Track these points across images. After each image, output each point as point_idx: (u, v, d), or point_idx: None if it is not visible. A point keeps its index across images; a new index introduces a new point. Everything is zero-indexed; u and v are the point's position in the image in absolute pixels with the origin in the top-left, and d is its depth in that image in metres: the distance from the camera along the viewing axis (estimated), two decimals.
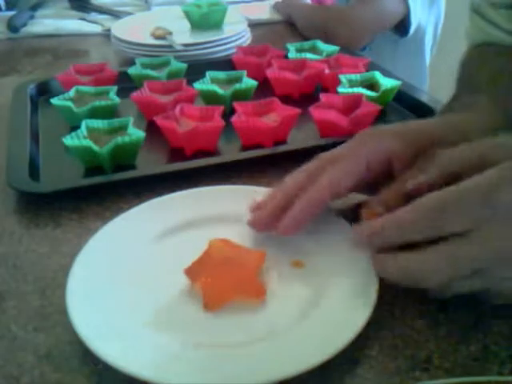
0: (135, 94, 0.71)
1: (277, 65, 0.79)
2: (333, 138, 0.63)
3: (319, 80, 0.79)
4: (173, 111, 0.65)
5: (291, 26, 1.16)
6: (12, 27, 1.11)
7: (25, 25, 1.14)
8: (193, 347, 0.37)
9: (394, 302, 0.42)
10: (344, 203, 0.49)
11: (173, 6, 1.14)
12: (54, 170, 0.61)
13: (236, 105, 0.66)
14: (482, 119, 0.47)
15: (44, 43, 1.09)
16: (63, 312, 0.41)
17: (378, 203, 0.42)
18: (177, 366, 0.36)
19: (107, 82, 0.77)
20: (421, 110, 0.70)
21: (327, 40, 0.92)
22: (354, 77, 0.74)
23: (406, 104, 0.74)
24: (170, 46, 0.92)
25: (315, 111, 0.65)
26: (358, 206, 0.44)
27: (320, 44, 0.89)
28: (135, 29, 0.99)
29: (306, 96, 0.77)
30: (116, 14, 1.20)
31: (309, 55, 0.85)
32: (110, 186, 0.56)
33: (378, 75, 0.74)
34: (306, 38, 1.03)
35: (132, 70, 0.79)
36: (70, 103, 0.68)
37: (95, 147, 0.58)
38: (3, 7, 1.30)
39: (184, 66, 0.81)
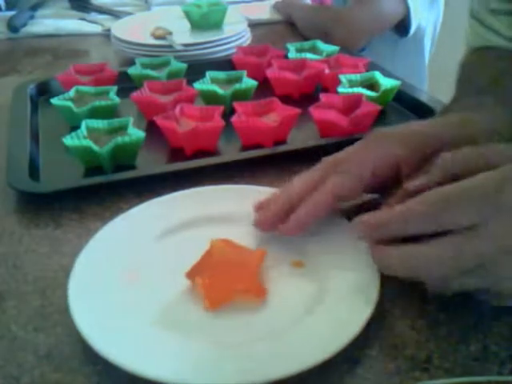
0: (135, 94, 0.71)
1: (277, 65, 0.79)
2: (333, 138, 0.63)
3: (319, 80, 0.79)
4: (173, 111, 0.65)
5: (291, 26, 1.16)
6: (12, 27, 1.11)
7: (25, 25, 1.14)
8: (194, 346, 0.37)
9: (394, 301, 0.42)
10: (348, 203, 0.49)
11: (173, 6, 1.14)
12: (54, 170, 0.61)
13: (236, 105, 0.66)
14: (488, 120, 0.47)
15: (44, 43, 1.09)
16: (63, 312, 0.41)
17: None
18: (177, 364, 0.36)
19: (107, 81, 0.77)
20: (421, 109, 0.70)
21: (327, 40, 0.92)
22: (354, 77, 0.74)
23: (406, 104, 0.74)
24: (170, 46, 0.92)
25: (315, 111, 0.65)
26: (361, 206, 0.44)
27: (320, 44, 0.89)
28: (135, 29, 0.99)
29: (306, 96, 0.77)
30: (116, 14, 1.20)
31: (309, 55, 0.85)
32: (110, 186, 0.56)
33: (377, 75, 0.74)
34: (306, 38, 1.03)
35: (132, 70, 0.79)
36: (69, 103, 0.68)
37: (95, 147, 0.58)
38: (3, 7, 1.30)
39: (184, 66, 0.81)
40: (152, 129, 0.65)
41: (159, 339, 0.38)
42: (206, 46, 0.92)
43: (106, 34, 1.07)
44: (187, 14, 1.03)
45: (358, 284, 0.41)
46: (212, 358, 0.37)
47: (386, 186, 0.44)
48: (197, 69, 0.81)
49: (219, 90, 0.71)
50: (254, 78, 0.75)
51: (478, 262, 0.36)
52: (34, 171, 0.59)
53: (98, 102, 0.68)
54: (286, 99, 0.70)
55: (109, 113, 0.69)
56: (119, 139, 0.59)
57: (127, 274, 0.44)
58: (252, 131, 0.63)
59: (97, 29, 1.14)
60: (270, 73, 0.78)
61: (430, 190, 0.37)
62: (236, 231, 0.47)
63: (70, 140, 0.59)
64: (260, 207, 0.47)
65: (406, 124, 0.48)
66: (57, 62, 0.99)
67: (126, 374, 0.35)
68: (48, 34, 1.12)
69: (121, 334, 0.38)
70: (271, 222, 0.45)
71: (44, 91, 0.79)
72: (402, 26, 1.17)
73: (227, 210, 0.50)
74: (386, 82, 0.73)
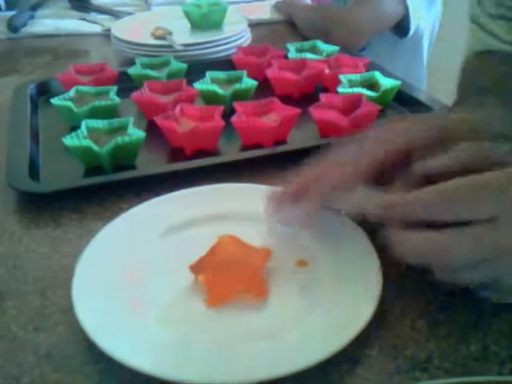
0: (135, 94, 0.71)
1: (277, 65, 0.79)
2: (333, 138, 0.63)
3: (319, 80, 0.79)
4: (173, 111, 0.65)
5: (291, 26, 1.16)
6: (12, 27, 1.11)
7: (25, 25, 1.14)
8: (195, 344, 0.38)
9: (394, 301, 0.42)
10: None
11: (173, 6, 1.14)
12: (54, 170, 0.61)
13: (236, 105, 0.66)
14: (490, 119, 0.47)
15: (44, 43, 1.09)
16: (63, 312, 0.41)
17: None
18: (178, 361, 0.36)
19: (107, 82, 0.77)
20: (421, 109, 0.70)
21: (327, 40, 0.92)
22: (354, 77, 0.74)
23: (406, 104, 0.74)
24: (170, 46, 0.92)
25: (315, 111, 0.65)
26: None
27: (320, 44, 0.89)
28: (135, 29, 0.99)
29: (305, 96, 0.77)
30: (116, 14, 1.20)
31: (309, 55, 0.85)
32: (110, 186, 0.56)
33: (377, 75, 0.74)
34: (306, 38, 1.03)
35: (132, 70, 0.79)
36: (69, 103, 0.68)
37: (95, 147, 0.58)
38: (3, 7, 1.30)
39: (184, 66, 0.81)
40: (152, 129, 0.65)
41: (161, 336, 0.38)
42: (205, 45, 0.92)
43: (106, 34, 1.06)
44: (187, 14, 1.03)
45: (359, 284, 0.41)
46: (213, 357, 0.37)
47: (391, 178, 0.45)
48: (197, 69, 0.81)
49: (219, 90, 0.71)
50: (254, 78, 0.75)
51: (495, 255, 0.36)
52: (34, 171, 0.59)
53: (98, 102, 0.68)
54: (286, 99, 0.70)
55: (109, 113, 0.69)
56: (119, 139, 0.59)
57: (129, 273, 0.44)
58: (252, 131, 0.63)
59: (97, 29, 1.14)
60: (270, 73, 0.78)
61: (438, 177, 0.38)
62: (238, 230, 0.47)
63: (69, 140, 0.59)
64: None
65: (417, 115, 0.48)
66: (57, 62, 0.98)
67: (127, 373, 0.35)
68: (48, 33, 1.12)
69: (124, 332, 0.38)
70: (293, 194, 0.45)
71: (44, 91, 0.79)
72: (401, 27, 1.17)
73: (229, 209, 0.51)
74: (386, 82, 0.73)
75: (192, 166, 0.59)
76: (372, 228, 0.44)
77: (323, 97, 0.67)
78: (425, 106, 0.71)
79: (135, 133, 0.61)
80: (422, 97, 0.74)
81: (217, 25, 1.02)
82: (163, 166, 0.61)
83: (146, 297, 0.42)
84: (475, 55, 0.67)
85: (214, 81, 0.75)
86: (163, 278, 0.44)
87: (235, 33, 0.96)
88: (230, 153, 0.64)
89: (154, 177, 0.57)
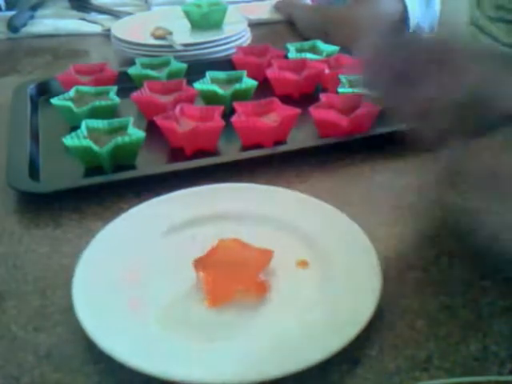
0: (135, 94, 0.71)
1: (277, 65, 0.79)
2: (333, 138, 0.63)
3: (319, 80, 0.79)
4: (173, 111, 0.65)
5: (291, 26, 1.16)
6: (12, 27, 1.10)
7: (25, 25, 1.14)
8: (195, 344, 0.38)
9: (394, 301, 0.42)
10: None
11: (173, 6, 1.14)
12: (54, 170, 0.61)
13: (236, 105, 0.66)
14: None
15: (44, 43, 1.09)
16: (63, 312, 0.41)
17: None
18: (178, 361, 0.36)
19: (107, 82, 0.77)
20: None
21: (327, 40, 0.92)
22: (354, 77, 0.74)
23: None
24: (170, 46, 0.92)
25: (315, 111, 0.65)
26: None
27: (320, 44, 0.89)
28: (135, 29, 0.99)
29: (305, 96, 0.77)
30: (116, 14, 1.20)
31: (309, 55, 0.85)
32: (110, 186, 0.56)
33: None
34: (306, 38, 1.02)
35: (132, 70, 0.79)
36: (69, 103, 0.68)
37: (95, 147, 0.58)
38: (3, 7, 1.30)
39: (184, 66, 0.81)
40: (152, 129, 0.65)
41: (162, 335, 0.38)
42: (205, 45, 0.92)
43: (106, 34, 1.06)
44: (187, 14, 1.03)
45: (359, 284, 0.42)
46: (213, 357, 0.37)
47: None
48: (197, 69, 0.81)
49: (219, 90, 0.71)
50: (254, 78, 0.75)
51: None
52: (34, 171, 0.59)
53: (98, 102, 0.68)
54: (286, 99, 0.70)
55: (109, 113, 0.69)
56: (119, 139, 0.59)
57: (129, 273, 0.44)
58: (252, 131, 0.63)
59: (97, 29, 1.14)
60: (270, 73, 0.78)
61: None
62: (238, 230, 0.47)
63: (70, 140, 0.59)
64: None
65: None
66: (57, 62, 0.98)
67: (127, 373, 0.35)
68: (48, 33, 1.12)
69: (124, 332, 0.38)
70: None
71: (44, 91, 0.79)
72: (400, 26, 1.17)
73: (229, 209, 0.51)
74: None
75: (192, 166, 0.59)
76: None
77: (323, 97, 0.67)
78: None
79: (135, 133, 0.61)
80: None
81: (217, 25, 1.02)
82: (163, 166, 0.61)
83: (146, 297, 0.42)
84: None
85: (213, 81, 0.75)
86: (163, 278, 0.44)
87: (235, 33, 0.96)
88: (230, 153, 0.64)
89: (154, 177, 0.57)
